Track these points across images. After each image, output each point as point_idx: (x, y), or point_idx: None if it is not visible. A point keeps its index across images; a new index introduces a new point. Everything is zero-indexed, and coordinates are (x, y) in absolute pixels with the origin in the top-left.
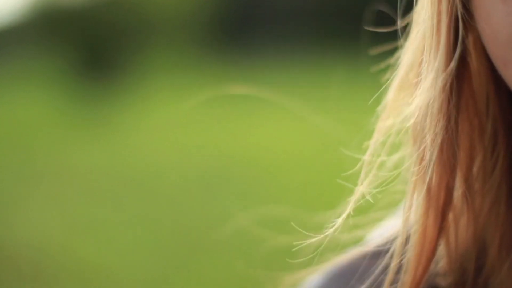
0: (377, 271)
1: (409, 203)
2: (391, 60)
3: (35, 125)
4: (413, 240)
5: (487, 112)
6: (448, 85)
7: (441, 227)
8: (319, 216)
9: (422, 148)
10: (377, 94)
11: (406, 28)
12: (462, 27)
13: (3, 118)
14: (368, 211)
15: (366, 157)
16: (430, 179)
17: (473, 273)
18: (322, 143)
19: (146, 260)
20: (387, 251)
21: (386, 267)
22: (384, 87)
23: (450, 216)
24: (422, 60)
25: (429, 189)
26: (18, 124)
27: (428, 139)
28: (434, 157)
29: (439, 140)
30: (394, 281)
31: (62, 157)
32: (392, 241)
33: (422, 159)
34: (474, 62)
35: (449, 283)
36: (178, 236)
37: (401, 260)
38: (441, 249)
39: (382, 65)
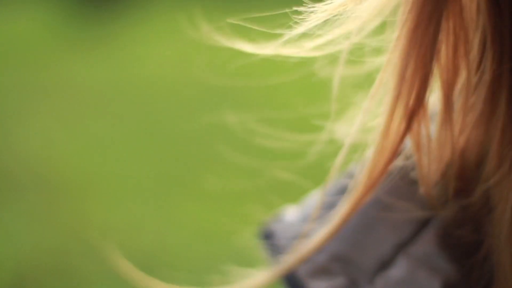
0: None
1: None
2: None
3: (35, 42)
4: (375, 137)
5: (476, 25)
6: None
7: (406, 129)
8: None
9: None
10: None
11: None
12: None
13: (2, 35)
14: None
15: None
16: (401, 79)
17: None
18: None
19: (148, 172)
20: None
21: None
22: None
23: (422, 128)
24: None
25: (399, 89)
26: (18, 41)
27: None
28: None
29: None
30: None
31: (63, 72)
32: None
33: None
34: None
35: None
36: (179, 150)
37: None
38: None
39: None
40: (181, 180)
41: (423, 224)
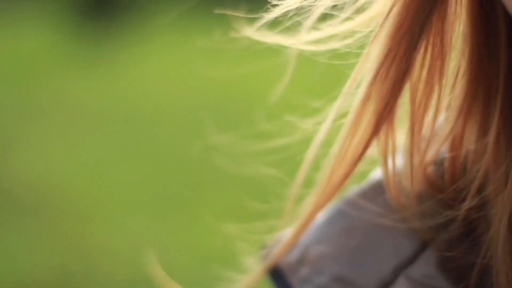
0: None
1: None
2: None
3: (37, 61)
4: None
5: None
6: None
7: (372, 135)
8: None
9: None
10: None
11: None
12: None
13: (4, 52)
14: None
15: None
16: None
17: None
18: None
19: (149, 192)
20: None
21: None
22: None
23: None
24: None
25: (367, 96)
26: (21, 59)
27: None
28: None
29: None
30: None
31: (64, 91)
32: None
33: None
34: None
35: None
36: (177, 172)
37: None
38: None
39: None
40: (182, 200)
41: (422, 245)
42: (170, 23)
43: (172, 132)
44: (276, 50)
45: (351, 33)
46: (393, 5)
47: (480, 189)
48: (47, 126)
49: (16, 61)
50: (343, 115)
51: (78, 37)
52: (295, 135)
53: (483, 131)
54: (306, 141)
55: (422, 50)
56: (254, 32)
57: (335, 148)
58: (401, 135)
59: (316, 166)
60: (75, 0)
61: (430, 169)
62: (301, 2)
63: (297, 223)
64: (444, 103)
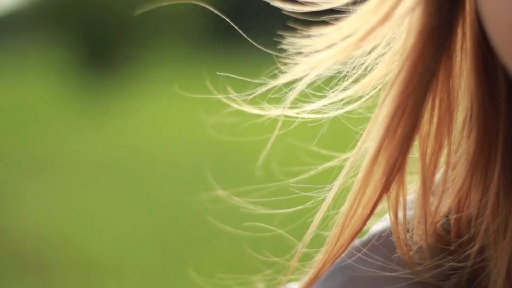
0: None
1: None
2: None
3: (35, 112)
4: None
5: (462, 105)
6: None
7: (383, 190)
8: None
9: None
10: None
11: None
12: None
13: (3, 104)
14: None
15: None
16: (377, 151)
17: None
18: None
19: (146, 248)
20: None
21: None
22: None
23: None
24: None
25: (374, 159)
26: (18, 111)
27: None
28: (383, 132)
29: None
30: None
31: (62, 144)
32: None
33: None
34: (457, 59)
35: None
36: (175, 224)
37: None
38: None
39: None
40: (181, 254)
41: None
42: (167, 76)
43: (168, 183)
44: (279, 100)
45: (357, 98)
46: (401, 66)
47: (482, 240)
48: (45, 176)
49: (15, 111)
50: (354, 174)
51: (76, 89)
52: (303, 192)
53: (486, 187)
54: (312, 197)
55: (429, 106)
56: (257, 104)
57: (345, 206)
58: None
59: (321, 224)
60: (73, 52)
61: (438, 224)
62: (307, 71)
63: (304, 280)
64: (454, 158)
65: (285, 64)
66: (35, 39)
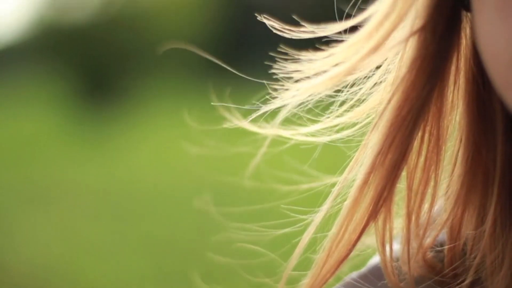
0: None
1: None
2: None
3: (36, 145)
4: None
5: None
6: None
7: (369, 219)
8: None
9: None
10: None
11: None
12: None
13: (4, 136)
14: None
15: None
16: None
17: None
18: None
19: (146, 281)
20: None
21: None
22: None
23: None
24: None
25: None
26: (20, 144)
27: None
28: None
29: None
30: None
31: (63, 176)
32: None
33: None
34: (450, 94)
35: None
36: (176, 255)
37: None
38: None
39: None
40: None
41: None
42: (166, 107)
43: (169, 215)
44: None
45: (351, 124)
46: (392, 95)
47: (478, 271)
48: (45, 208)
49: (16, 143)
50: (341, 200)
51: (76, 121)
52: (292, 216)
53: (481, 218)
54: (302, 220)
55: (419, 139)
56: (254, 123)
57: (332, 231)
58: (398, 221)
59: (311, 247)
60: (73, 84)
61: (430, 254)
62: (303, 96)
63: None
64: (441, 190)
65: (276, 90)
66: (35, 71)
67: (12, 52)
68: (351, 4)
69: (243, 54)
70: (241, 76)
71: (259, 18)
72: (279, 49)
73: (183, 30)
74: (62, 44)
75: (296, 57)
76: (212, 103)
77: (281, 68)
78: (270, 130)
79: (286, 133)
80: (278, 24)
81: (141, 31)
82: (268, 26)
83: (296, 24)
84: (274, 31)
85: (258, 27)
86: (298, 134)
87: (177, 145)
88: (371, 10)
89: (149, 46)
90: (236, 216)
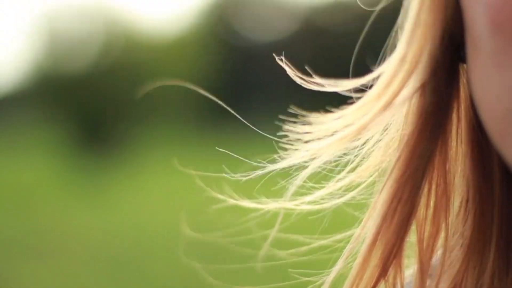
0: None
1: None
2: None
3: (34, 194)
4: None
5: (459, 189)
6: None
7: (380, 276)
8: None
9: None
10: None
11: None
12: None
13: (3, 184)
14: None
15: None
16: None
17: None
18: None
19: None
20: None
21: None
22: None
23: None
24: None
25: (373, 243)
26: (17, 193)
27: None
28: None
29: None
30: None
31: (60, 226)
32: None
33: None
34: (452, 142)
35: None
36: None
37: None
38: None
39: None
40: None
41: None
42: (163, 155)
43: (167, 261)
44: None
45: (356, 185)
46: (400, 153)
47: None
48: (43, 258)
49: (13, 193)
50: (352, 258)
51: (74, 169)
52: (302, 277)
53: (482, 270)
54: (312, 283)
55: (426, 190)
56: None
57: None
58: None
59: None
60: (71, 132)
61: None
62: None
63: None
64: (452, 241)
65: (285, 149)
66: (33, 120)
67: (10, 101)
68: (354, 58)
69: (242, 101)
70: (239, 124)
71: (277, 60)
72: (289, 110)
73: (181, 77)
74: (60, 92)
75: (305, 118)
76: (211, 151)
77: (290, 129)
78: (273, 204)
79: (290, 204)
80: (292, 69)
81: (138, 79)
82: (285, 69)
83: (307, 74)
84: (291, 76)
85: (257, 74)
86: (303, 203)
87: (174, 193)
88: (379, 70)
89: (146, 94)
90: (231, 273)
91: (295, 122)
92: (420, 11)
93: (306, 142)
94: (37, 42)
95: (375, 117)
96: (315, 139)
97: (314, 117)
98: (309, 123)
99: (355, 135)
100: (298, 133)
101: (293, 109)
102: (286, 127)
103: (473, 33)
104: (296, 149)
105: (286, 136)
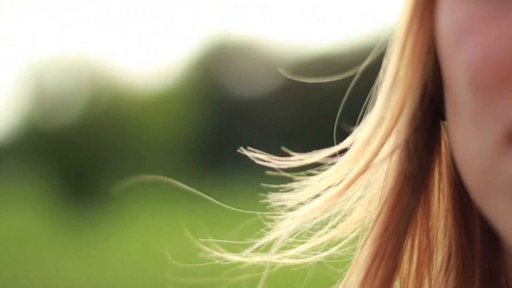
0: None
1: None
2: None
3: (19, 246)
4: None
5: (441, 244)
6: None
7: None
8: None
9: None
10: None
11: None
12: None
13: None
14: None
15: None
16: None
17: None
18: None
19: None
20: None
21: None
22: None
23: None
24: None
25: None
26: (2, 244)
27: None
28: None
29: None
30: None
31: (46, 276)
32: None
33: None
34: (435, 199)
35: None
36: None
37: None
38: None
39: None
40: None
41: None
42: (148, 208)
43: None
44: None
45: (338, 241)
46: (381, 210)
47: None
48: None
49: (1, 245)
50: None
51: (59, 221)
52: None
53: None
54: None
55: (409, 246)
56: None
57: None
58: None
59: None
60: (56, 185)
61: None
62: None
63: None
64: None
65: (271, 220)
66: (19, 173)
67: None
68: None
69: (227, 155)
70: (225, 181)
71: (242, 151)
72: (269, 175)
73: (167, 132)
74: (47, 145)
75: (289, 185)
76: (196, 204)
77: (273, 198)
78: (257, 258)
79: (273, 258)
80: (265, 155)
81: (124, 133)
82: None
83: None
84: (260, 162)
85: (243, 128)
86: (285, 257)
87: (158, 246)
88: (357, 129)
89: (132, 148)
90: None
91: (277, 190)
92: (398, 69)
93: (291, 209)
94: (23, 96)
95: (357, 176)
96: (298, 204)
97: (296, 183)
98: (291, 190)
99: (339, 195)
100: (281, 200)
101: (275, 171)
102: (269, 196)
103: (452, 91)
104: (281, 219)
105: (269, 204)
